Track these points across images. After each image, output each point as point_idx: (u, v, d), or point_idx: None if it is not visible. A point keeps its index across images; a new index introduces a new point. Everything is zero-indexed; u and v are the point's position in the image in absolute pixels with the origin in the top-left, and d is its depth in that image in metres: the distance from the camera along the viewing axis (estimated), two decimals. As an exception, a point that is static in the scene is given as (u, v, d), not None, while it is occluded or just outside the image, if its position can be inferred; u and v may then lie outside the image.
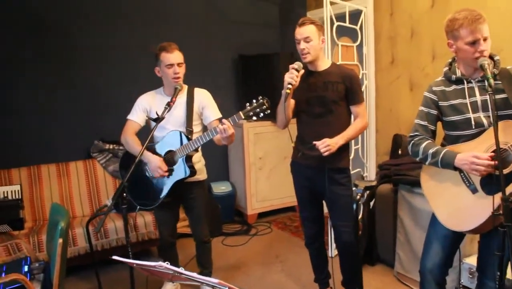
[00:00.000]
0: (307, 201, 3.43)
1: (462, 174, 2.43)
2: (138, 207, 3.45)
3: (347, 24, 4.60)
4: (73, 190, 4.71)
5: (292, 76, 2.99)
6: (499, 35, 3.45)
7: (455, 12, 2.43)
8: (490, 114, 2.35)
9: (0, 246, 3.67)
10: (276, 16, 6.27)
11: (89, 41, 4.97)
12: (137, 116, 3.40)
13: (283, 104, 3.09)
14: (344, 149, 3.21)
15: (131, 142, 3.33)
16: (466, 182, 2.42)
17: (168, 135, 3.31)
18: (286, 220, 5.84)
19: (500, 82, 2.39)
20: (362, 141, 4.96)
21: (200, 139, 3.12)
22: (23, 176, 4.53)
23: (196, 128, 3.41)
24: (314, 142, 3.03)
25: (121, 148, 4.92)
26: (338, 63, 3.68)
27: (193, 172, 3.26)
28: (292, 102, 3.24)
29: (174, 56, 3.26)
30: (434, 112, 2.61)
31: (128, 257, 2.94)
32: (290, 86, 2.98)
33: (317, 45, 3.10)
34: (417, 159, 2.63)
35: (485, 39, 2.36)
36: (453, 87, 2.55)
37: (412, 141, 2.64)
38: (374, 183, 3.04)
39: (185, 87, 3.46)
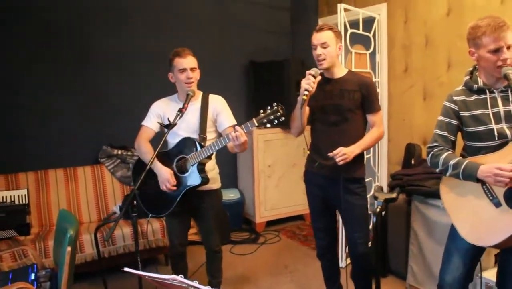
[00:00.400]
0: (320, 211, 3.35)
1: (484, 187, 2.36)
2: (150, 215, 3.38)
3: (360, 31, 4.54)
4: (81, 196, 4.66)
5: (309, 82, 2.92)
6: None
7: (478, 19, 2.36)
8: None
9: (6, 252, 3.61)
10: (287, 22, 6.24)
11: (100, 45, 4.95)
12: (151, 123, 3.35)
13: (299, 110, 3.02)
14: (360, 158, 3.14)
15: (144, 149, 3.28)
16: (489, 195, 2.35)
17: (181, 142, 3.25)
18: (295, 229, 5.76)
19: None
20: (373, 150, 4.88)
21: (212, 146, 3.05)
22: (30, 180, 4.48)
23: (210, 135, 3.34)
24: (329, 154, 2.96)
25: (129, 153, 4.88)
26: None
27: (204, 180, 3.19)
28: (307, 109, 3.17)
29: (188, 61, 3.21)
30: (455, 122, 2.54)
31: (137, 265, 2.93)
32: (306, 92, 2.92)
33: (333, 51, 3.04)
34: (437, 170, 2.56)
35: (508, 47, 2.30)
36: (475, 97, 2.48)
37: (432, 152, 2.57)
38: (394, 195, 2.96)
39: (200, 93, 3.40)
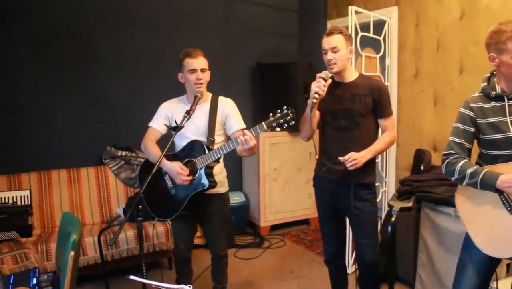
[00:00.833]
0: (328, 216, 3.29)
1: (502, 197, 2.29)
2: (156, 218, 3.31)
3: (371, 34, 4.47)
4: (84, 197, 4.59)
5: (319, 86, 2.87)
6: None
7: (500, 24, 2.29)
8: None
9: (8, 255, 3.54)
10: (295, 25, 6.18)
11: (106, 45, 4.90)
12: (158, 124, 3.29)
13: (308, 114, 2.95)
14: (371, 163, 3.07)
15: (150, 149, 3.21)
16: (507, 206, 2.27)
17: (189, 145, 3.19)
18: (300, 233, 5.69)
19: None
20: (382, 155, 4.80)
21: (221, 150, 2.99)
22: (33, 181, 4.42)
23: (218, 138, 3.28)
24: (340, 157, 2.89)
25: (133, 154, 4.82)
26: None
27: (212, 184, 3.12)
28: (317, 113, 3.10)
29: (198, 62, 3.15)
30: (471, 130, 2.47)
31: (141, 270, 2.89)
32: (316, 95, 2.87)
33: (344, 55, 2.97)
34: (452, 179, 2.48)
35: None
36: (492, 104, 2.41)
37: (447, 160, 2.49)
38: (410, 204, 2.88)
39: (209, 95, 3.34)
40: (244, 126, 3.29)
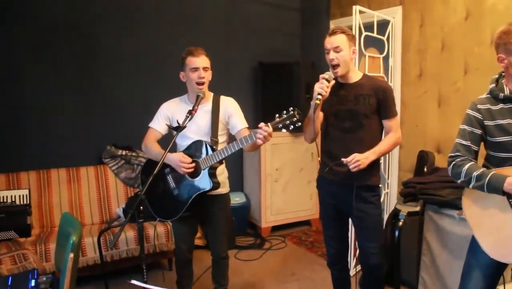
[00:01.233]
0: (331, 219, 3.23)
1: (511, 200, 2.24)
2: (157, 219, 3.27)
3: (375, 34, 4.42)
4: (83, 197, 4.54)
5: (322, 87, 2.83)
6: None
7: (510, 24, 2.25)
8: None
9: (6, 256, 3.50)
10: (298, 24, 6.14)
11: (106, 45, 4.86)
12: (158, 124, 3.24)
13: (311, 116, 2.91)
14: (375, 165, 3.03)
15: (151, 148, 3.16)
16: (516, 209, 2.23)
17: (192, 145, 3.14)
18: (301, 235, 5.65)
19: None
20: (384, 156, 4.75)
21: (226, 150, 2.94)
22: (31, 180, 4.38)
23: (221, 138, 3.23)
24: (343, 159, 2.85)
25: (133, 154, 4.78)
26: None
27: (216, 185, 3.08)
28: (321, 114, 3.05)
29: (200, 60, 3.10)
30: (478, 132, 2.42)
31: (141, 271, 2.86)
32: (319, 96, 2.82)
33: (347, 55, 2.92)
34: (458, 181, 2.44)
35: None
36: (500, 106, 2.37)
37: (453, 162, 2.45)
38: (418, 208, 2.84)
39: (211, 95, 3.29)
40: (247, 125, 3.26)
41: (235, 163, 5.76)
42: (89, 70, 4.80)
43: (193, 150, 3.12)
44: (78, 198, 4.52)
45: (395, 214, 3.85)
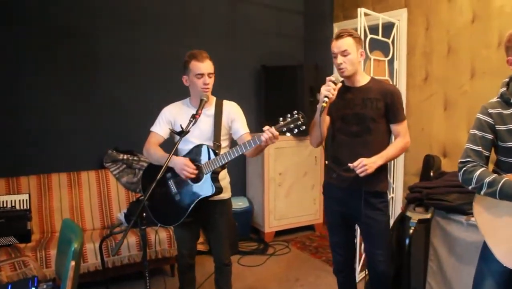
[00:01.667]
0: (338, 225, 3.18)
1: (524, 207, 2.18)
2: (158, 224, 3.21)
3: (380, 37, 4.37)
4: (84, 201, 4.48)
5: (329, 89, 2.77)
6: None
7: None
8: None
9: (5, 263, 3.44)
10: (301, 27, 6.09)
11: (108, 48, 4.81)
12: (160, 129, 3.18)
13: (318, 119, 2.85)
14: (383, 170, 2.97)
15: (154, 151, 3.10)
16: (530, 217, 2.17)
17: (194, 149, 3.08)
18: (305, 240, 5.57)
19: None
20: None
21: (228, 155, 2.88)
22: (32, 184, 4.32)
23: (224, 143, 3.18)
24: (350, 164, 2.79)
25: (135, 158, 4.73)
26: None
27: (218, 190, 3.02)
28: (327, 118, 3.00)
29: (205, 66, 3.04)
30: (490, 136, 2.36)
31: (144, 277, 2.82)
32: (326, 99, 2.77)
33: (355, 59, 2.87)
34: (469, 188, 2.37)
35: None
36: (511, 110, 2.30)
37: (464, 168, 2.38)
38: (428, 216, 2.78)
39: (213, 99, 3.23)
40: (248, 131, 3.21)
41: (238, 167, 5.71)
42: (90, 73, 4.75)
43: (195, 154, 3.07)
44: (79, 202, 4.46)
45: (401, 219, 3.80)
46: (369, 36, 4.20)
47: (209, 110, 3.18)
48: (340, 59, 2.85)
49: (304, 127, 2.71)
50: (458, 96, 4.24)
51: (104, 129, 4.83)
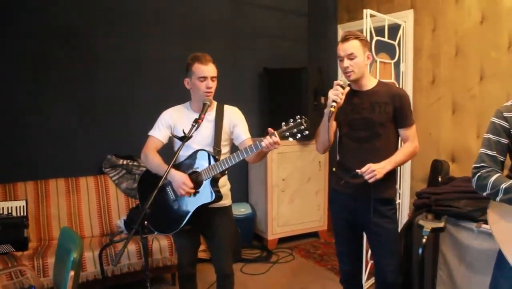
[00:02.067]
0: (344, 234, 3.09)
1: (542, 215, 2.08)
2: (155, 232, 3.11)
3: (386, 39, 4.28)
4: (83, 208, 4.40)
5: (337, 93, 2.70)
6: None
7: None
8: None
9: (1, 273, 3.34)
10: (304, 29, 6.02)
11: (106, 52, 4.76)
12: (159, 133, 3.08)
13: (325, 124, 2.77)
14: (392, 176, 2.89)
15: (152, 159, 3.00)
16: (547, 224, 2.07)
17: (193, 155, 2.99)
18: (309, 247, 5.46)
19: None
20: (396, 166, 4.62)
21: (229, 160, 2.79)
22: (29, 190, 4.24)
23: (224, 149, 3.09)
24: (357, 170, 2.70)
25: (135, 164, 4.64)
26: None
27: (219, 196, 2.93)
28: (334, 123, 2.91)
29: (209, 69, 2.95)
30: (505, 141, 2.27)
31: (145, 287, 2.72)
32: (334, 104, 2.70)
33: (362, 62, 2.79)
34: (484, 194, 2.28)
35: None
36: None
37: (479, 174, 2.29)
38: (442, 224, 2.68)
39: (214, 103, 3.14)
40: (249, 136, 3.13)
41: (240, 172, 5.63)
42: (89, 78, 4.69)
43: (195, 159, 2.98)
44: (77, 209, 4.38)
45: (409, 226, 3.71)
46: (375, 38, 4.11)
47: (210, 115, 3.09)
48: (346, 62, 2.77)
49: (307, 132, 2.64)
50: (466, 99, 4.13)
51: (103, 134, 4.76)
